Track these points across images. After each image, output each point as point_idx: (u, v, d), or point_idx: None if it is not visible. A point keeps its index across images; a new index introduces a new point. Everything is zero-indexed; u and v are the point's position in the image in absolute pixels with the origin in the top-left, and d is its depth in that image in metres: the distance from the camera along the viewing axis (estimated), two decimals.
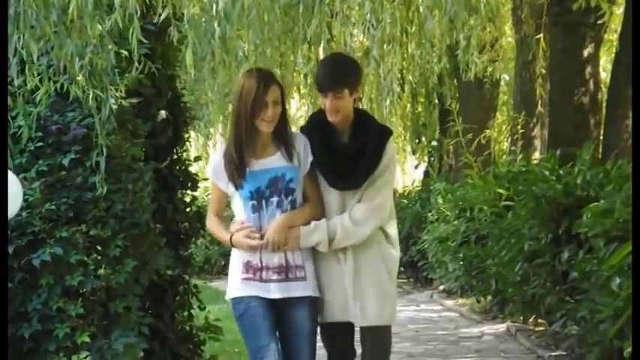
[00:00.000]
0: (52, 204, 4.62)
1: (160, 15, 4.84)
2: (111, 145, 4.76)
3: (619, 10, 8.61)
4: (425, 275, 12.12)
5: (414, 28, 9.45)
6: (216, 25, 4.26)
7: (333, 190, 3.42)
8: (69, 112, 4.87)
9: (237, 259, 3.43)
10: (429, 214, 11.03)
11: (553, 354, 6.17)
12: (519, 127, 9.94)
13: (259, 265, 3.37)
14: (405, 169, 20.45)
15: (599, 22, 7.64)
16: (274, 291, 3.37)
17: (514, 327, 7.60)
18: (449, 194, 10.19)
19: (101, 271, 4.59)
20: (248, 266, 3.39)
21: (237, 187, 3.37)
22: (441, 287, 11.38)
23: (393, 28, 6.78)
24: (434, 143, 14.77)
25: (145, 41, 4.53)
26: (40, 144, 4.73)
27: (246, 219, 3.40)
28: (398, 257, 3.53)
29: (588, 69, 8.24)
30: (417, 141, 16.52)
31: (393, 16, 6.83)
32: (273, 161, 3.39)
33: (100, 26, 4.49)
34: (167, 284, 5.26)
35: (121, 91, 4.76)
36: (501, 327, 7.96)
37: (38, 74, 4.65)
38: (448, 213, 9.87)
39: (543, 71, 9.40)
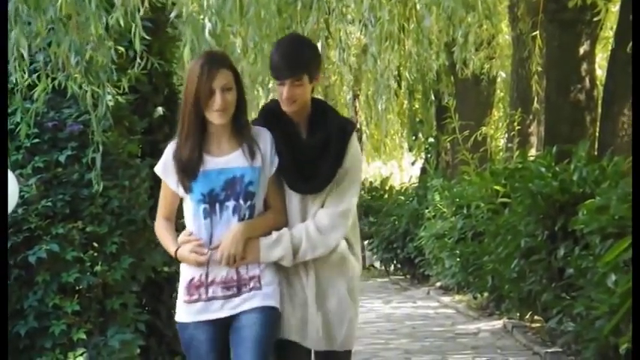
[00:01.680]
0: (49, 200, 4.59)
1: (168, 12, 4.84)
2: (107, 141, 4.74)
3: (615, 8, 8.58)
4: (422, 272, 12.11)
5: (411, 25, 9.43)
6: (207, 20, 4.24)
7: (293, 193, 2.96)
8: (65, 108, 4.85)
9: (182, 277, 2.92)
10: (426, 210, 11.01)
11: (549, 350, 6.16)
12: (516, 124, 9.93)
13: (204, 280, 2.85)
14: (402, 166, 20.44)
15: (595, 19, 7.62)
16: (217, 309, 2.84)
17: (510, 323, 7.59)
18: (446, 191, 10.17)
19: (97, 268, 4.56)
20: (191, 286, 2.87)
21: (187, 189, 2.86)
22: (438, 284, 11.37)
23: (390, 25, 6.76)
24: (431, 140, 14.74)
25: (148, 38, 4.52)
26: (37, 140, 4.71)
27: (195, 226, 2.87)
28: (360, 272, 3.09)
29: (584, 66, 8.22)
30: (413, 138, 16.50)
31: (391, 13, 6.80)
32: (232, 160, 2.86)
33: (99, 24, 4.48)
34: (164, 281, 5.23)
35: (122, 88, 4.74)
36: (498, 323, 7.95)
37: (35, 71, 4.63)
38: (445, 210, 9.85)
39: (539, 68, 9.38)
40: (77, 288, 4.58)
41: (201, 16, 4.81)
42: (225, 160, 2.86)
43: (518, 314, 7.74)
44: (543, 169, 6.29)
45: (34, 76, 4.64)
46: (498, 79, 12.44)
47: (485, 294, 8.81)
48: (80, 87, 4.63)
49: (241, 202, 2.84)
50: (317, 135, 2.96)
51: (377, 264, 15.44)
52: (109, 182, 4.73)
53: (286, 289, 2.95)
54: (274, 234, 2.91)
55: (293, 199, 2.96)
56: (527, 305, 6.95)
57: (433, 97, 14.09)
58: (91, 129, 4.63)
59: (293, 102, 2.93)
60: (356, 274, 3.05)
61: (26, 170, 4.67)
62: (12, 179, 4.39)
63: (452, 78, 12.76)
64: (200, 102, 2.80)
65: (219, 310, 2.84)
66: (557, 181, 6.06)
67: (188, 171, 2.83)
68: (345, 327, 2.99)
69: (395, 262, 13.81)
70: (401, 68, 11.80)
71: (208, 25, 4.45)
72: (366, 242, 15.34)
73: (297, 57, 2.92)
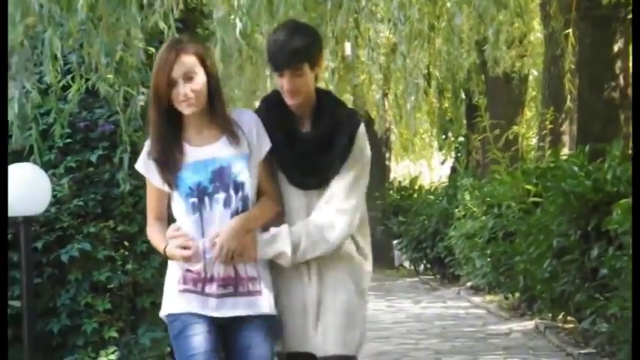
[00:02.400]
0: (80, 200, 4.65)
1: (209, 13, 4.85)
2: (138, 141, 4.78)
3: None
4: (452, 272, 12.04)
5: (442, 23, 9.39)
6: (237, 20, 4.25)
7: (296, 189, 2.73)
8: (97, 108, 4.91)
9: (174, 268, 2.69)
10: (456, 210, 10.95)
11: (582, 351, 6.09)
12: (548, 122, 9.84)
13: (202, 274, 2.64)
14: (431, 165, 20.37)
15: (629, 16, 7.52)
16: (213, 308, 2.63)
17: (543, 324, 7.52)
18: (476, 190, 10.11)
19: (128, 267, 4.61)
20: (187, 276, 2.65)
21: (171, 185, 2.65)
22: (469, 284, 11.30)
23: (420, 23, 6.73)
24: (461, 139, 14.67)
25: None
26: (69, 140, 4.76)
27: (186, 222, 2.66)
28: (370, 273, 2.84)
29: (618, 64, 8.12)
30: (443, 137, 16.42)
31: (421, 12, 6.79)
32: (216, 150, 2.64)
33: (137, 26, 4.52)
34: None
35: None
36: (530, 324, 7.88)
37: (69, 72, 4.69)
38: (475, 209, 9.79)
39: (572, 66, 9.29)
40: (108, 286, 4.63)
41: (232, 16, 4.84)
42: (209, 150, 2.65)
43: (550, 315, 7.67)
44: (576, 168, 6.23)
45: (68, 77, 4.69)
46: (530, 78, 12.34)
47: (517, 294, 8.74)
48: (111, 87, 4.68)
49: (232, 193, 2.63)
50: (321, 128, 2.74)
51: (406, 264, 15.37)
52: (139, 182, 4.76)
53: (284, 294, 2.73)
54: (272, 230, 2.69)
55: (295, 195, 2.74)
56: (559, 306, 6.88)
57: (463, 96, 14.01)
58: (121, 129, 4.67)
59: (296, 94, 2.70)
60: (364, 274, 2.80)
61: (59, 170, 4.73)
62: (45, 179, 4.46)
63: (482, 76, 12.69)
64: (161, 95, 2.59)
65: (215, 310, 2.64)
66: (590, 180, 5.99)
67: (170, 165, 2.63)
68: (353, 331, 2.74)
69: (424, 261, 13.75)
70: (430, 67, 11.76)
71: (239, 25, 4.46)
72: (395, 242, 15.29)
73: (294, 45, 2.66)
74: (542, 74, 11.19)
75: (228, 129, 2.64)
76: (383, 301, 10.40)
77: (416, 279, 13.78)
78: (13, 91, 4.58)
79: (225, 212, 2.63)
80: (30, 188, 4.35)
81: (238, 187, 2.63)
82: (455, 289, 11.42)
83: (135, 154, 4.66)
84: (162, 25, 4.48)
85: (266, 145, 2.68)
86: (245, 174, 2.64)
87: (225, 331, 2.66)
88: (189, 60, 2.59)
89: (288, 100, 2.72)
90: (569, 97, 9.97)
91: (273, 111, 2.76)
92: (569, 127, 10.63)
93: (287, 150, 2.72)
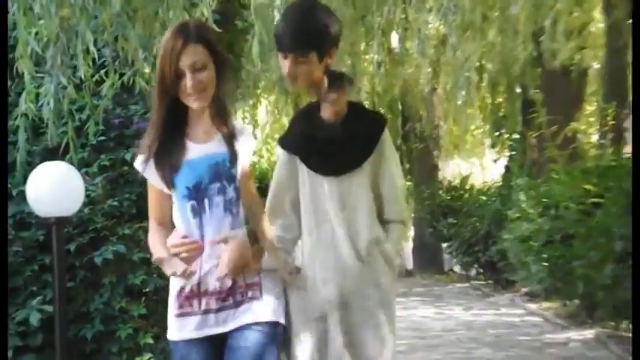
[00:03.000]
0: (115, 200, 4.64)
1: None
2: None
3: None
4: (505, 277, 11.88)
5: (495, 13, 9.24)
6: (276, 12, 4.20)
7: (322, 178, 2.65)
8: (132, 105, 4.89)
9: (172, 286, 2.59)
10: (510, 211, 10.78)
11: None
12: (609, 118, 9.62)
13: (196, 290, 2.52)
14: (483, 164, 20.15)
15: None
16: (212, 325, 2.53)
17: (604, 333, 7.36)
18: (532, 190, 9.93)
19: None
20: (182, 296, 2.53)
21: (169, 185, 2.53)
22: (523, 290, 11.13)
23: (472, 14, 6.62)
24: (515, 136, 14.46)
25: (218, 30, 4.51)
26: (103, 138, 4.76)
27: (184, 227, 2.53)
28: (395, 277, 2.76)
29: None
30: (496, 134, 16.21)
31: (473, 1, 6.68)
32: (214, 146, 2.55)
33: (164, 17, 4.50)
34: None
35: None
36: (590, 333, 7.72)
37: (104, 66, 4.68)
38: (531, 210, 9.62)
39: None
40: (144, 290, 4.61)
41: (270, 8, 4.80)
42: (208, 146, 2.54)
43: (612, 323, 7.49)
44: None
45: (102, 71, 4.69)
46: (590, 71, 12.11)
47: (576, 301, 8.56)
48: (147, 82, 4.67)
49: (225, 183, 2.53)
50: (351, 130, 2.68)
51: (456, 268, 15.21)
52: None
53: (297, 302, 2.63)
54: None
55: (323, 185, 2.66)
56: (622, 313, 6.71)
57: (518, 90, 13.81)
58: None
59: (294, 80, 2.55)
60: (390, 280, 2.70)
61: (92, 169, 4.73)
62: (78, 177, 4.46)
63: (539, 70, 12.47)
64: (167, 86, 2.45)
65: (215, 326, 2.52)
66: None
67: (169, 163, 2.50)
68: (380, 346, 2.61)
69: (476, 266, 13.59)
70: (483, 60, 11.59)
71: (277, 18, 4.42)
72: (444, 245, 15.14)
73: (306, 29, 2.48)
74: (604, 67, 10.96)
75: (228, 127, 2.54)
76: (431, 308, 10.30)
77: (467, 284, 13.63)
78: (48, 86, 4.60)
79: (221, 202, 2.52)
80: (63, 188, 4.35)
81: (231, 179, 2.54)
82: (509, 296, 11.26)
83: None
84: (203, 15, 4.46)
85: (248, 162, 2.62)
86: (235, 169, 2.55)
87: (224, 341, 2.55)
88: (199, 49, 2.44)
89: (289, 86, 2.63)
90: (630, 91, 9.74)
91: (302, 116, 2.73)
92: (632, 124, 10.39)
93: (311, 138, 2.66)
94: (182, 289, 2.53)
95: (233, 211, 2.55)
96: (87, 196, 4.57)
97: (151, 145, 2.50)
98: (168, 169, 2.50)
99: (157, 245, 2.57)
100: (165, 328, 4.56)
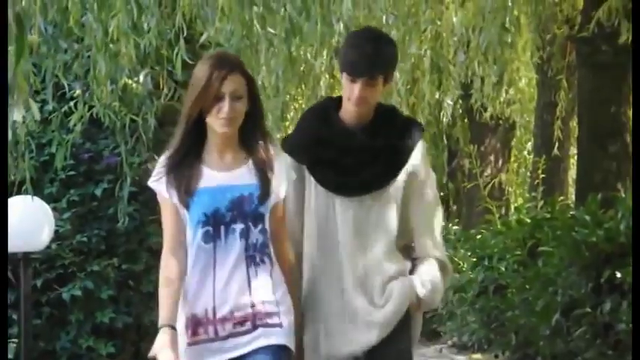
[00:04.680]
0: (84, 236, 4.74)
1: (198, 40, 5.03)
2: (140, 174, 4.89)
3: None
4: (433, 328, 12.16)
5: (425, 63, 9.69)
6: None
7: (335, 199, 2.57)
8: (102, 139, 5.01)
9: (182, 313, 2.57)
10: None
11: None
12: (540, 171, 10.18)
13: (211, 317, 2.55)
14: None
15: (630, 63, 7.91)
16: (228, 349, 2.55)
17: None
18: (464, 242, 10.32)
19: (133, 308, 4.68)
20: (195, 322, 2.56)
21: (184, 205, 2.57)
22: (450, 342, 11.42)
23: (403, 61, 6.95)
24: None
25: (190, 62, 4.68)
26: (72, 173, 4.85)
27: (192, 251, 2.56)
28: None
29: (619, 110, 8.49)
30: None
31: (402, 53, 7.05)
32: (238, 177, 2.58)
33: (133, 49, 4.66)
34: None
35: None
36: None
37: (72, 99, 4.79)
38: (461, 263, 9.99)
39: (564, 113, 9.67)
40: (112, 329, 4.69)
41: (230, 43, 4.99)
42: (229, 175, 2.58)
43: None
44: (588, 217, 6.47)
45: (72, 103, 4.80)
46: (519, 124, 12.75)
47: (507, 353, 8.88)
48: (117, 116, 4.80)
49: (250, 224, 2.55)
50: (377, 139, 2.62)
51: None
52: (147, 217, 4.87)
53: (324, 337, 2.57)
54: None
55: (334, 205, 2.55)
56: None
57: (445, 142, 14.35)
58: (121, 160, 4.77)
59: (363, 103, 2.59)
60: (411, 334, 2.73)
61: (61, 204, 4.81)
62: (48, 212, 4.54)
63: (466, 122, 13.04)
64: (204, 106, 2.56)
65: (232, 351, 2.55)
66: (601, 230, 6.23)
67: (184, 185, 2.57)
68: None
69: None
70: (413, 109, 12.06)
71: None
72: None
73: (378, 55, 2.60)
74: (535, 121, 11.59)
75: (255, 157, 2.59)
76: None
77: None
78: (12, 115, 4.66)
79: (241, 244, 2.53)
80: (31, 222, 4.42)
81: (258, 219, 2.55)
82: (436, 347, 11.51)
83: (144, 188, 4.78)
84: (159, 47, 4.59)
85: (283, 190, 2.61)
86: (265, 206, 2.56)
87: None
88: (240, 79, 2.59)
89: (352, 107, 2.59)
90: (556, 144, 10.37)
91: (321, 116, 2.67)
92: (561, 176, 11.02)
93: (330, 155, 2.58)
94: (194, 315, 2.55)
95: (257, 259, 2.57)
96: (55, 231, 4.65)
97: (169, 163, 2.59)
98: (183, 191, 2.56)
99: (163, 308, 2.53)
100: None
